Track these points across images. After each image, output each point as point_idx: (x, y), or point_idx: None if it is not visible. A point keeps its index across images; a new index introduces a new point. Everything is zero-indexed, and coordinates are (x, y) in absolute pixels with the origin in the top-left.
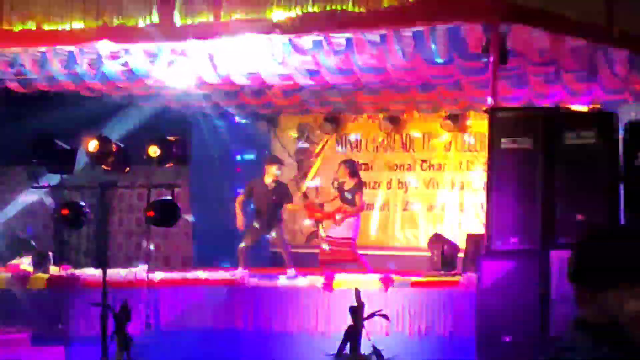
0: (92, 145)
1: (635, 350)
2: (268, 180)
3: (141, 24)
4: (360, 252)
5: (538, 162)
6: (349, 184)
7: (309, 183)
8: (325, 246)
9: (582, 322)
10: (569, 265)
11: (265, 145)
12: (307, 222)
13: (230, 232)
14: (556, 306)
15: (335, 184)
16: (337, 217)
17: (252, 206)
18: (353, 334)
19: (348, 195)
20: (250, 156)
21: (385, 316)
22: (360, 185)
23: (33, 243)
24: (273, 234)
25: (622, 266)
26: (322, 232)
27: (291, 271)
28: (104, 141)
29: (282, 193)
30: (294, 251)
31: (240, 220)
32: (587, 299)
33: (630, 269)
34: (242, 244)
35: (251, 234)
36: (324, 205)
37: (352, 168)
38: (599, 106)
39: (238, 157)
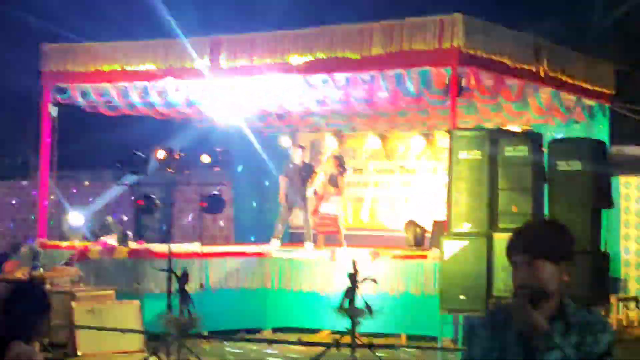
0: (161, 154)
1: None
2: (297, 160)
3: (197, 66)
4: (355, 233)
5: (485, 168)
6: (335, 171)
7: (318, 182)
8: (316, 219)
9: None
10: (510, 243)
11: (287, 155)
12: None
13: (261, 217)
14: (497, 273)
15: (326, 172)
16: (325, 197)
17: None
18: (350, 293)
19: (333, 180)
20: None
21: (373, 280)
22: (342, 173)
23: (112, 228)
24: (299, 214)
25: (544, 246)
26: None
27: (309, 245)
28: (169, 151)
29: (308, 169)
30: (301, 232)
31: (282, 196)
32: (522, 267)
33: (547, 249)
34: (278, 225)
35: (281, 216)
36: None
37: (340, 160)
38: (529, 127)
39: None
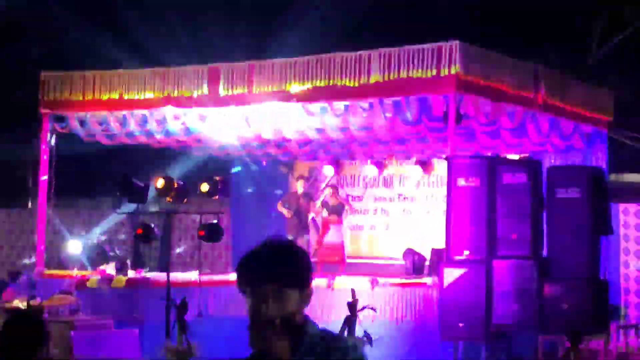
0: (160, 182)
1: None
2: (300, 190)
3: (195, 94)
4: (353, 261)
5: (484, 195)
6: (333, 201)
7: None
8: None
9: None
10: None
11: (284, 183)
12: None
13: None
14: (497, 300)
15: (320, 202)
16: (329, 226)
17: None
18: (350, 322)
19: (333, 210)
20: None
21: (373, 308)
22: (342, 203)
23: (110, 255)
24: (306, 237)
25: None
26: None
27: None
28: (168, 180)
29: (308, 199)
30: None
31: (287, 213)
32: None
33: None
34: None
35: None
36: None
37: (336, 190)
38: (527, 155)
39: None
